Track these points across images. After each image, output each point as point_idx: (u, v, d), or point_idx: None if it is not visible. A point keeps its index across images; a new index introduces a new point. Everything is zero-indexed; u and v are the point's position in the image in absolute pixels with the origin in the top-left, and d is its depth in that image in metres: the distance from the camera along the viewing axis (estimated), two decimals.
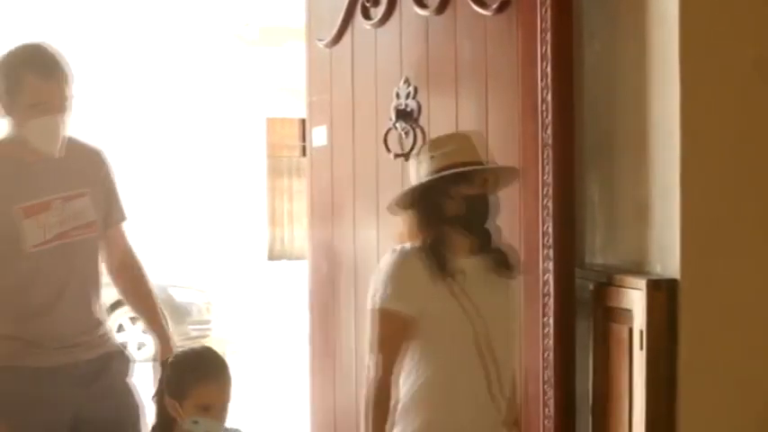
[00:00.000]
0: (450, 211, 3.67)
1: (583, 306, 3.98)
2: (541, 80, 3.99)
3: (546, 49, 3.99)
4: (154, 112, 16.54)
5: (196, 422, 3.61)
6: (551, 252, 3.97)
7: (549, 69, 3.98)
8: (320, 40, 5.35)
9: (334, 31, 5.19)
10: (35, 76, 3.87)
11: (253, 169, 17.94)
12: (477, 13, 4.30)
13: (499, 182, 3.79)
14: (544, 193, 3.98)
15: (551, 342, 3.98)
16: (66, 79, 3.93)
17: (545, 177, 3.98)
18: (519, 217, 4.13)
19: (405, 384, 3.65)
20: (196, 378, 3.65)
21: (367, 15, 4.91)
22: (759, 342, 3.62)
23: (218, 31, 16.96)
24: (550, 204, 3.97)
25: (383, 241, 4.72)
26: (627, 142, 3.93)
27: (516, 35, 4.15)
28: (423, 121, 4.67)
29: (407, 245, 3.69)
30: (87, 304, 4.06)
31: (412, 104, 4.68)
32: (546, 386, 3.99)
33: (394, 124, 4.73)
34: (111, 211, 4.17)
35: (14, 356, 3.92)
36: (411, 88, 4.69)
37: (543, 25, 3.99)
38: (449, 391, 3.64)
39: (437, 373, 3.63)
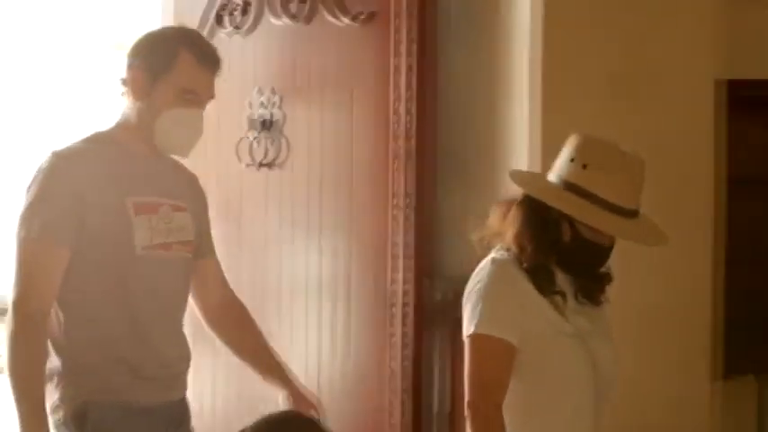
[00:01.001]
0: (564, 245, 2.91)
1: (436, 316, 3.99)
2: (394, 91, 4.01)
3: (400, 61, 4.01)
4: (32, 122, 16.27)
5: None
6: (401, 262, 3.98)
7: (403, 80, 4.00)
8: None
9: None
10: (196, 57, 3.21)
11: None
12: (342, 24, 4.31)
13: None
14: (394, 203, 4.00)
15: (401, 352, 3.99)
16: (217, 75, 3.31)
17: (395, 188, 3.99)
18: (369, 226, 4.14)
19: (508, 425, 2.88)
20: None
21: (231, 24, 4.88)
22: None
23: (93, 39, 16.70)
24: (401, 214, 3.99)
25: (246, 253, 4.69)
26: (481, 154, 3.98)
27: (369, 45, 4.17)
28: (287, 130, 4.65)
29: (507, 255, 2.95)
30: (182, 330, 3.34)
31: (276, 114, 4.66)
32: (393, 396, 4.00)
33: (248, 133, 4.71)
34: (205, 241, 3.42)
35: (122, 388, 3.13)
36: (277, 97, 4.67)
37: (397, 36, 4.01)
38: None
39: (554, 410, 2.94)
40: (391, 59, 4.03)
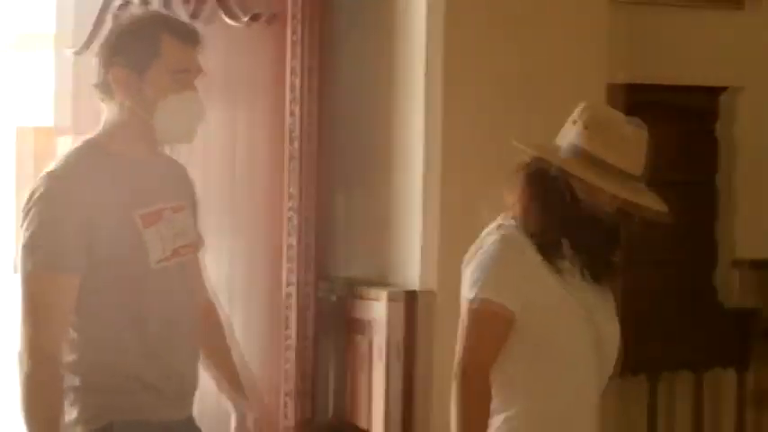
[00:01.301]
0: (570, 213, 2.89)
1: (329, 318, 4.00)
2: (290, 93, 4.01)
3: (297, 63, 4.01)
4: None
5: None
6: (294, 264, 3.98)
7: (298, 82, 3.99)
8: (70, 47, 5.24)
9: (84, 38, 5.09)
10: (179, 37, 3.00)
11: None
12: (230, 24, 4.29)
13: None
14: (289, 206, 3.99)
15: (293, 354, 3.98)
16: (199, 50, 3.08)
17: (290, 190, 3.99)
18: (265, 228, 4.13)
19: (510, 397, 2.89)
20: None
21: None
22: None
23: None
24: (296, 216, 3.98)
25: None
26: (378, 156, 3.99)
27: (267, 47, 4.16)
28: None
29: (513, 223, 2.90)
30: (197, 342, 3.15)
31: None
32: (287, 398, 3.99)
33: None
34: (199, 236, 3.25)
35: (145, 406, 2.96)
36: None
37: (294, 38, 4.01)
38: (572, 405, 2.93)
39: (558, 382, 2.92)
40: (288, 61, 4.02)
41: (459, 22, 3.75)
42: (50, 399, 2.83)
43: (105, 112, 3.00)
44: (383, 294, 3.65)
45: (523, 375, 2.86)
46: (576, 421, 2.92)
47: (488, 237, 2.91)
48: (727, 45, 4.77)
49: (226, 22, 4.30)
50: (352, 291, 3.90)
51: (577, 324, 2.89)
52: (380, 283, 3.80)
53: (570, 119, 2.87)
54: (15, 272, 2.95)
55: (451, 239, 3.64)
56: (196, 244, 3.13)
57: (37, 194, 2.87)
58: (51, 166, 2.94)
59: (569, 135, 2.87)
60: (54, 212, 2.86)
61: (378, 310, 3.66)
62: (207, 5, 4.37)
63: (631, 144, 2.87)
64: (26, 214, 2.87)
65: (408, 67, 3.80)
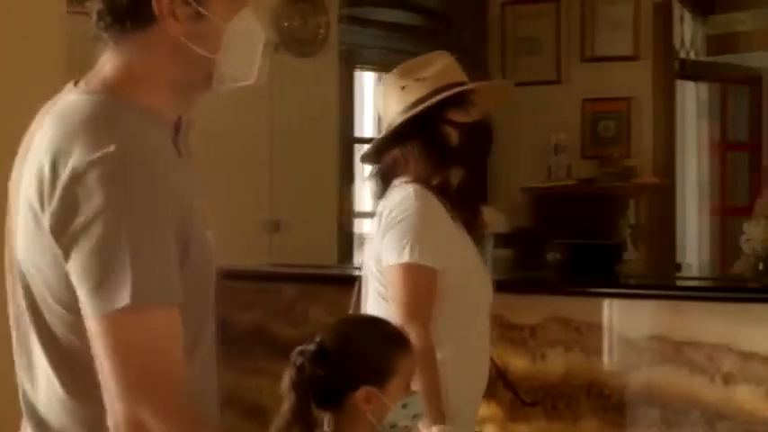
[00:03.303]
0: (454, 141, 3.12)
1: None
2: None
3: None
4: None
5: (405, 405, 2.53)
6: None
7: None
8: None
9: None
10: None
11: None
12: None
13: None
14: None
15: None
16: None
17: None
18: None
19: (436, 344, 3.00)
20: (398, 347, 2.55)
21: None
22: None
23: None
24: None
25: None
26: None
27: None
28: None
29: (418, 185, 3.09)
30: None
31: None
32: None
33: None
34: None
35: None
36: None
37: None
38: (484, 352, 3.19)
39: (475, 336, 3.14)
40: None
41: None
42: None
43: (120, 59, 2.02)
44: None
45: (444, 324, 3.02)
46: (483, 362, 3.18)
47: (404, 201, 3.06)
48: None
49: None
50: None
51: (479, 276, 3.17)
52: None
53: (396, 88, 3.14)
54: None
55: None
56: None
57: (105, 177, 1.85)
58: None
59: (410, 95, 3.10)
60: (143, 210, 1.91)
61: None
62: None
63: (447, 61, 3.15)
64: (92, 215, 1.88)
65: None
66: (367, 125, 7.49)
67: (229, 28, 2.06)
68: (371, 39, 7.39)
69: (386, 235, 3.05)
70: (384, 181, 3.18)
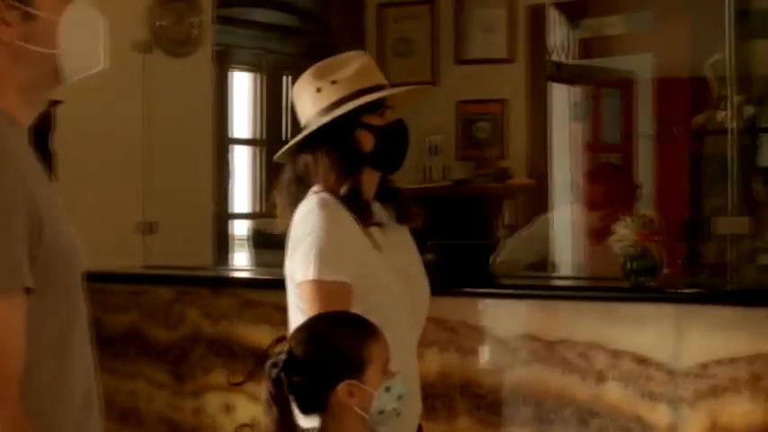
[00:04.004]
0: (369, 147, 3.09)
1: None
2: None
3: None
4: None
5: (389, 389, 2.61)
6: None
7: None
8: None
9: None
10: None
11: None
12: None
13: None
14: None
15: None
16: None
17: None
18: None
19: None
20: (365, 335, 2.64)
21: None
22: None
23: None
24: None
25: None
26: None
27: None
28: None
29: (326, 194, 3.07)
30: None
31: None
32: None
33: None
34: None
35: None
36: None
37: None
38: (403, 361, 2.96)
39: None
40: None
41: None
42: None
43: None
44: None
45: None
46: (403, 367, 2.96)
47: (309, 215, 3.03)
48: None
49: None
50: None
51: (394, 285, 3.07)
52: None
53: (311, 90, 3.08)
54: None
55: None
56: None
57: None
58: None
59: (323, 99, 3.06)
60: None
61: None
62: None
63: (363, 62, 3.09)
64: None
65: None
66: (242, 126, 7.47)
67: (63, 20, 2.05)
68: (246, 39, 7.38)
69: (295, 251, 3.03)
70: (300, 187, 3.14)
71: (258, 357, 2.68)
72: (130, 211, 5.71)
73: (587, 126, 8.76)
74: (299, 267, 3.00)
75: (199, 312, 5.14)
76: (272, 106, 7.59)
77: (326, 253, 2.95)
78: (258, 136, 7.58)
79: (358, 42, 7.88)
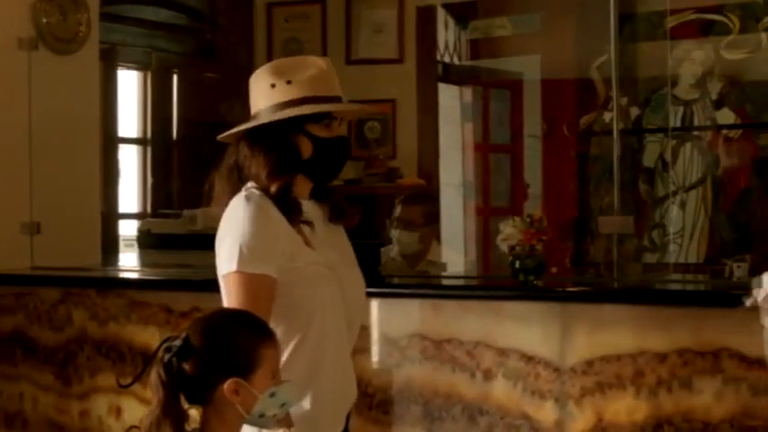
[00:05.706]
0: (307, 154, 3.11)
1: None
2: None
3: None
4: None
5: (273, 394, 2.64)
6: None
7: None
8: None
9: None
10: None
11: None
12: None
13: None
14: None
15: None
16: None
17: None
18: None
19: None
20: (261, 338, 2.67)
21: None
22: None
23: None
24: None
25: None
26: None
27: None
28: None
29: (256, 191, 3.07)
30: None
31: None
32: None
33: None
34: None
35: None
36: None
37: None
38: (329, 356, 3.12)
39: (315, 339, 3.07)
40: None
41: None
42: None
43: None
44: None
45: (285, 332, 2.97)
46: (329, 364, 3.10)
47: (235, 209, 3.04)
48: None
49: None
50: None
51: (323, 280, 3.08)
52: None
53: (265, 84, 3.09)
54: None
55: None
56: None
57: None
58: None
59: (276, 95, 3.06)
60: None
61: None
62: None
63: (321, 70, 3.12)
64: None
65: None
66: (130, 125, 7.40)
67: None
68: (134, 37, 7.30)
69: (221, 245, 3.04)
70: (239, 177, 3.14)
71: (147, 359, 2.66)
72: (17, 211, 5.62)
73: (477, 126, 8.84)
74: (223, 260, 3.01)
75: (86, 314, 5.08)
76: (160, 105, 7.53)
77: (250, 246, 2.96)
78: (146, 135, 7.50)
79: (247, 41, 7.86)
